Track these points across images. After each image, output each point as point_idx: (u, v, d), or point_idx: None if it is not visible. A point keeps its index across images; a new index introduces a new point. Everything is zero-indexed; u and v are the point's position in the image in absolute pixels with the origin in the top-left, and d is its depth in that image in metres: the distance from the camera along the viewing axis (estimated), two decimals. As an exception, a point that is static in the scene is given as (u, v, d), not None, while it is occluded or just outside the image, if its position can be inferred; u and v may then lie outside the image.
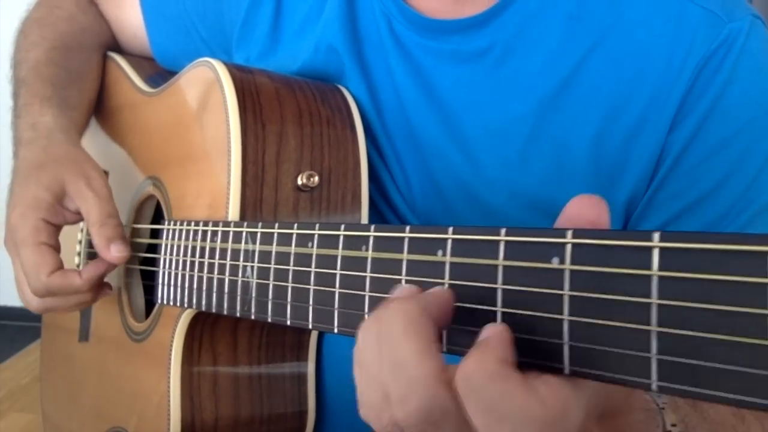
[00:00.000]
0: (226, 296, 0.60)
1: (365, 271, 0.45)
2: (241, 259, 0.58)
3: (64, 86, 0.86)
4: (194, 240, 0.65)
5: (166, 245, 0.71)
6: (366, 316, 0.45)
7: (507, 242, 0.36)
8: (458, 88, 0.67)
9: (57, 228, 0.74)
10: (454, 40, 0.67)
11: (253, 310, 0.57)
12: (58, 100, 0.83)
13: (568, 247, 0.33)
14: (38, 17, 0.93)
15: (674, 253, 0.30)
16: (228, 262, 0.60)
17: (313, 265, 0.49)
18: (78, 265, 0.89)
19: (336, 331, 0.48)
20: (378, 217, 0.71)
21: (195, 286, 0.65)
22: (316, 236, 0.49)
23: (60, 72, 0.87)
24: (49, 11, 0.93)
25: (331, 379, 0.73)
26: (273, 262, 0.54)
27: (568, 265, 0.33)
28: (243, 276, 0.58)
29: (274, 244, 0.54)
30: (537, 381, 0.32)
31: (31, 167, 0.75)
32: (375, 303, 0.44)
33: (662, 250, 0.30)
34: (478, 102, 0.67)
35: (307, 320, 0.50)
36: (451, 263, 0.39)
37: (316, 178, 0.66)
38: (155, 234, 0.76)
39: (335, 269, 0.47)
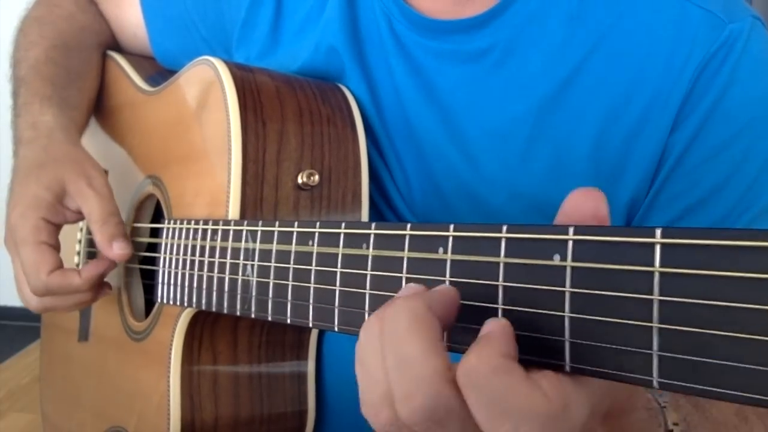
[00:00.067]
0: (226, 295, 0.60)
1: (366, 269, 0.44)
2: (242, 257, 0.58)
3: (64, 85, 0.86)
4: (194, 239, 0.65)
5: (166, 244, 0.71)
6: (366, 314, 0.45)
7: (508, 239, 0.36)
8: (459, 89, 0.67)
9: (57, 227, 0.74)
10: (454, 40, 0.67)
11: (253, 308, 0.57)
12: (58, 99, 0.83)
13: (570, 244, 0.33)
14: (38, 16, 0.93)
15: (676, 250, 0.30)
16: (228, 260, 0.60)
17: (314, 263, 0.49)
18: (77, 265, 0.89)
19: (336, 329, 0.47)
20: (378, 216, 0.71)
21: (195, 284, 0.65)
22: (316, 234, 0.49)
23: (60, 71, 0.87)
24: (49, 10, 0.93)
25: (332, 378, 0.72)
26: (273, 260, 0.54)
27: (569, 262, 0.33)
28: (243, 274, 0.58)
29: (275, 242, 0.54)
30: (539, 375, 0.32)
31: (32, 166, 0.75)
32: (376, 301, 0.44)
33: (664, 246, 0.30)
34: (478, 102, 0.67)
35: (308, 319, 0.50)
36: (452, 261, 0.39)
37: (317, 177, 0.66)
38: (155, 233, 0.76)
39: (336, 267, 0.47)
